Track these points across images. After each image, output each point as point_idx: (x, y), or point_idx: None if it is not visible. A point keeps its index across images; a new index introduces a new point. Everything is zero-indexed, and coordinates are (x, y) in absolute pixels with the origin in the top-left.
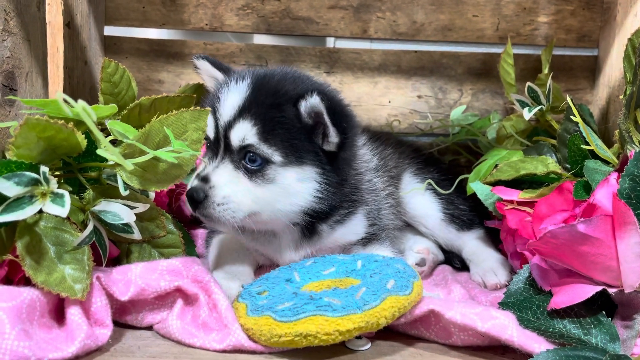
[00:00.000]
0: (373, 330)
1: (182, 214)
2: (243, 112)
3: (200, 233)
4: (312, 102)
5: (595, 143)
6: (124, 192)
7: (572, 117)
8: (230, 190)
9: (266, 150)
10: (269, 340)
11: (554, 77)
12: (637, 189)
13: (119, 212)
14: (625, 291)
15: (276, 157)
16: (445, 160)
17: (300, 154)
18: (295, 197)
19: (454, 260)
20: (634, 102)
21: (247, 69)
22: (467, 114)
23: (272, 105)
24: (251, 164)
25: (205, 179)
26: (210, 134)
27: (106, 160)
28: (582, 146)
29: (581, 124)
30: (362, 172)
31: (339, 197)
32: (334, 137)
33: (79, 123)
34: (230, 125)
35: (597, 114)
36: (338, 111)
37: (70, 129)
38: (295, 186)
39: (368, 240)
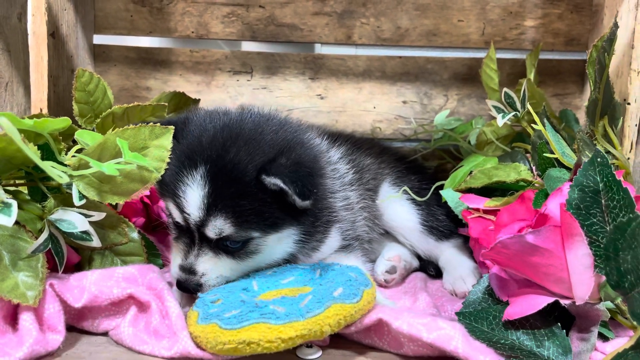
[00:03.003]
0: (318, 338)
1: (160, 220)
2: (211, 210)
3: None
4: (275, 183)
5: (562, 151)
6: (77, 203)
7: (543, 123)
8: (220, 271)
9: (244, 234)
10: (214, 347)
11: (542, 82)
12: (587, 200)
13: (74, 220)
14: (577, 303)
15: (255, 234)
16: (430, 165)
17: (275, 221)
18: (277, 254)
19: (429, 268)
20: (599, 110)
21: (194, 132)
22: (450, 119)
23: (237, 193)
24: (231, 245)
25: (191, 271)
26: (180, 221)
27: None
28: (544, 154)
29: (544, 132)
30: (337, 190)
31: (315, 231)
32: (301, 203)
33: (37, 135)
34: (202, 224)
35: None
36: (304, 181)
37: (22, 139)
38: (276, 246)
39: (339, 248)
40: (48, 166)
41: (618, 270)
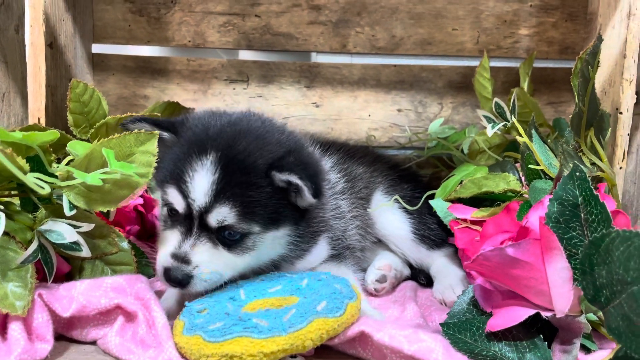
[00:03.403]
0: (300, 352)
1: (154, 228)
2: (219, 196)
3: None
4: (288, 179)
5: (548, 162)
6: (68, 213)
7: (530, 134)
8: (215, 265)
9: (245, 226)
10: (198, 359)
11: (537, 90)
12: (566, 213)
13: (63, 231)
14: (557, 316)
15: (255, 228)
16: (425, 173)
17: (277, 218)
18: (270, 254)
19: (420, 276)
20: (584, 122)
21: (198, 126)
22: (444, 127)
23: (246, 184)
24: (230, 237)
25: (185, 260)
26: (180, 209)
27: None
28: (529, 166)
29: (529, 144)
30: (327, 200)
31: (303, 238)
32: (312, 200)
33: (29, 147)
34: (207, 210)
35: None
36: (316, 179)
37: (9, 154)
38: (271, 245)
39: (328, 258)
40: (29, 179)
41: (594, 285)
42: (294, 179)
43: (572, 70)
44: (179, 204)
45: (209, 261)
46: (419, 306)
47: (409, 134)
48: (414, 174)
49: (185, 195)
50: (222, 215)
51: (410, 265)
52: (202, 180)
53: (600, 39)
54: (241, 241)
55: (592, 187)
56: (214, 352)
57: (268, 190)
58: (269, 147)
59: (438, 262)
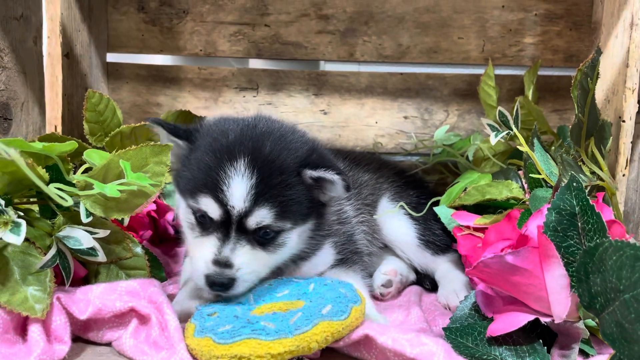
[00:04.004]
0: (306, 354)
1: (167, 233)
2: (257, 200)
3: (182, 252)
4: (326, 176)
5: (549, 171)
6: (85, 220)
7: (533, 143)
8: (254, 265)
9: (281, 224)
10: None
11: (542, 98)
12: (564, 222)
13: (80, 237)
14: (555, 321)
15: (288, 225)
16: (432, 179)
17: (306, 212)
18: (293, 249)
19: (425, 282)
20: (584, 132)
21: (216, 132)
22: (449, 134)
23: (280, 184)
24: (265, 236)
25: (227, 264)
26: (215, 216)
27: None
28: (530, 175)
29: (530, 153)
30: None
31: (318, 233)
32: (344, 192)
33: (47, 156)
34: (247, 214)
35: None
36: (345, 173)
37: (30, 164)
38: (297, 240)
39: (337, 263)
40: (52, 191)
41: (589, 293)
42: (330, 175)
43: (573, 81)
44: (215, 212)
45: (249, 262)
46: (423, 311)
47: (415, 140)
48: (420, 181)
49: (223, 203)
50: (261, 217)
51: (416, 271)
52: (239, 187)
53: (599, 52)
54: (275, 239)
55: (588, 197)
56: (223, 353)
57: (299, 187)
58: (293, 145)
59: (442, 268)
